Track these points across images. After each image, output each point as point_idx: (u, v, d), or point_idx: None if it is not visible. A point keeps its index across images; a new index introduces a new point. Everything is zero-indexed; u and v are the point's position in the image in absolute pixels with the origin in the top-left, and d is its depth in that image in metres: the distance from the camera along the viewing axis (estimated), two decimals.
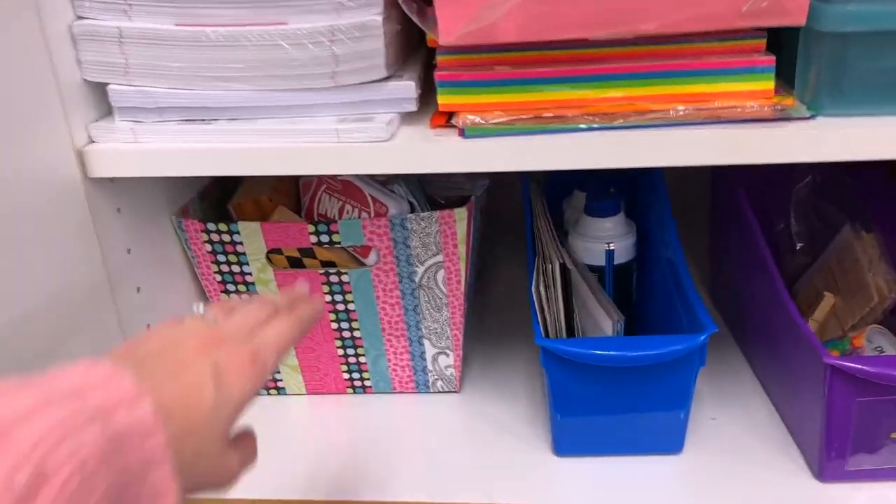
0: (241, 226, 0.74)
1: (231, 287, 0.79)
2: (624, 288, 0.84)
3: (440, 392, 0.85)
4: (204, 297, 0.81)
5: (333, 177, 0.79)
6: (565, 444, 0.75)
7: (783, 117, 0.58)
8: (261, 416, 0.79)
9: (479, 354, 0.92)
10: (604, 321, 0.76)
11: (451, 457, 0.76)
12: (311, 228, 0.73)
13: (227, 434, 0.42)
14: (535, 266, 0.75)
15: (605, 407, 0.71)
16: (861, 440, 0.68)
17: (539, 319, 0.73)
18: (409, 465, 0.75)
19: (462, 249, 0.74)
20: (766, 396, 0.82)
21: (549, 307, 0.75)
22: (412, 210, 0.78)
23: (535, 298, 0.73)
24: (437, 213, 0.71)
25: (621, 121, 0.59)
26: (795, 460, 0.73)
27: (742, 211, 0.82)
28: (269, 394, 0.87)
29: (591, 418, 0.72)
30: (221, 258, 0.76)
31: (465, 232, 0.72)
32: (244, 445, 0.45)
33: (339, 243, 0.74)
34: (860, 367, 0.63)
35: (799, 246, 0.89)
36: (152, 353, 0.41)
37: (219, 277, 0.78)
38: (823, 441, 0.68)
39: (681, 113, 0.58)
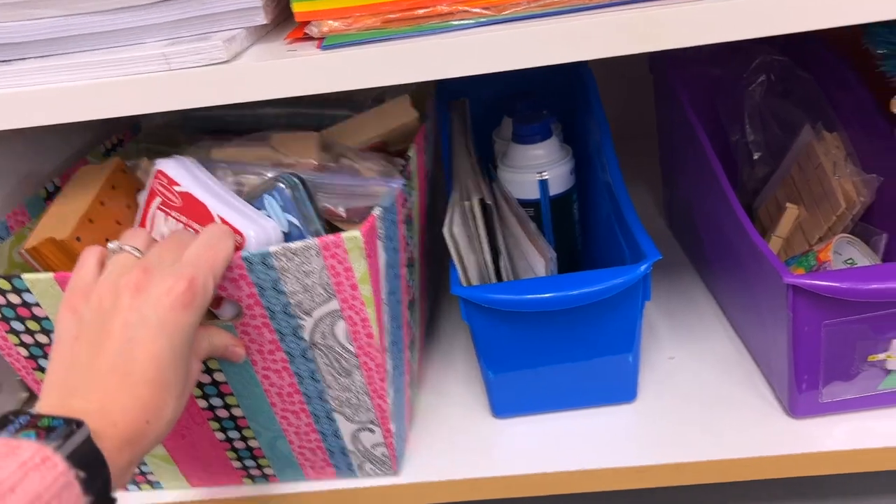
0: (29, 280, 0.52)
1: (45, 363, 0.57)
2: (565, 222, 0.75)
3: (370, 476, 0.65)
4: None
5: (169, 184, 0.57)
6: (504, 405, 0.67)
7: None
8: None
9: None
10: (535, 261, 0.65)
11: None
12: None
13: (184, 365, 0.45)
14: (451, 203, 0.65)
15: (541, 358, 0.63)
16: (834, 368, 0.59)
17: (458, 266, 0.63)
18: None
19: (366, 290, 0.52)
20: (730, 329, 0.73)
21: (473, 251, 0.65)
22: (288, 236, 0.56)
23: (448, 241, 0.63)
24: (315, 243, 0.49)
25: (510, 11, 0.48)
26: (765, 396, 0.65)
27: (688, 121, 0.71)
28: (140, 489, 0.67)
29: (528, 372, 0.64)
30: (18, 326, 0.55)
31: (365, 266, 0.51)
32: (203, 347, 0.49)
33: None
34: (825, 283, 0.54)
35: (757, 156, 0.79)
36: (97, 326, 0.43)
37: (24, 352, 0.57)
38: (792, 372, 0.60)
39: None
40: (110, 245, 0.48)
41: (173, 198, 0.56)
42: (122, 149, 0.77)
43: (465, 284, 0.64)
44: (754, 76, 0.78)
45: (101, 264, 0.48)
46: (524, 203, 0.72)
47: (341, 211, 0.59)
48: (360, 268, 0.51)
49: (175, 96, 0.48)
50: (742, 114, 0.80)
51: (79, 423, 0.38)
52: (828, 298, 0.55)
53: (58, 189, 0.67)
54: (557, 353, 0.62)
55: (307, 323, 0.54)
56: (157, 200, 0.58)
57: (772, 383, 0.65)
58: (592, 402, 0.66)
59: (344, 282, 0.51)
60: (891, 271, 0.55)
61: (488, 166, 0.75)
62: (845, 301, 0.55)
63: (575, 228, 0.77)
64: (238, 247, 0.52)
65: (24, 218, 0.63)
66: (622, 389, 0.66)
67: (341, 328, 0.54)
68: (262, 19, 0.51)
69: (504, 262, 0.66)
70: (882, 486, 0.72)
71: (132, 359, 0.42)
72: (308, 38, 0.50)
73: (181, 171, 0.57)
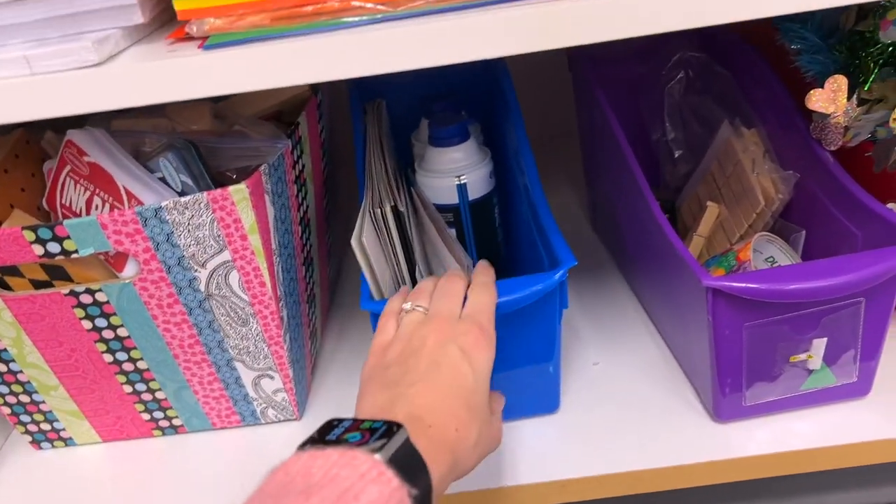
0: None
1: None
2: (485, 227, 0.72)
3: (275, 422, 0.68)
4: None
5: (78, 154, 0.59)
6: None
7: None
8: (45, 475, 0.65)
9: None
10: (452, 268, 0.63)
11: None
12: (30, 236, 0.53)
13: (487, 404, 0.46)
14: (361, 211, 0.61)
15: None
16: (757, 370, 0.58)
17: (368, 279, 0.60)
18: None
19: (255, 241, 0.56)
20: (656, 333, 0.72)
21: (386, 261, 0.62)
22: (183, 196, 0.56)
23: (357, 252, 0.59)
24: (204, 196, 0.53)
25: (407, 7, 0.45)
26: (690, 402, 0.64)
27: (606, 119, 0.70)
28: (53, 446, 0.69)
29: None
30: None
31: (253, 217, 0.55)
32: (495, 408, 0.49)
33: (74, 252, 0.54)
34: (743, 285, 0.53)
35: (678, 153, 0.78)
36: (401, 363, 0.46)
37: None
38: (716, 376, 0.58)
39: None
40: (404, 306, 0.51)
41: (82, 167, 0.60)
42: None
43: (377, 297, 0.60)
44: (673, 73, 0.77)
45: (397, 321, 0.51)
46: (443, 208, 0.69)
47: (231, 173, 0.63)
48: (247, 219, 0.54)
49: (39, 104, 0.44)
50: (662, 111, 0.79)
51: (398, 426, 0.39)
52: (747, 300, 0.54)
53: None
54: None
55: (202, 275, 0.57)
56: (67, 168, 0.61)
57: (696, 388, 0.64)
58: (514, 414, 0.63)
59: (234, 233, 0.55)
60: (808, 271, 0.54)
61: (407, 171, 0.72)
62: (765, 302, 0.54)
63: (496, 233, 0.73)
64: None
65: None
66: (544, 401, 0.64)
67: (234, 278, 0.57)
68: (139, 18, 0.47)
69: (420, 272, 0.63)
70: (810, 486, 0.71)
71: (439, 374, 0.44)
72: (190, 37, 0.47)
73: (90, 142, 0.59)
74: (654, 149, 0.81)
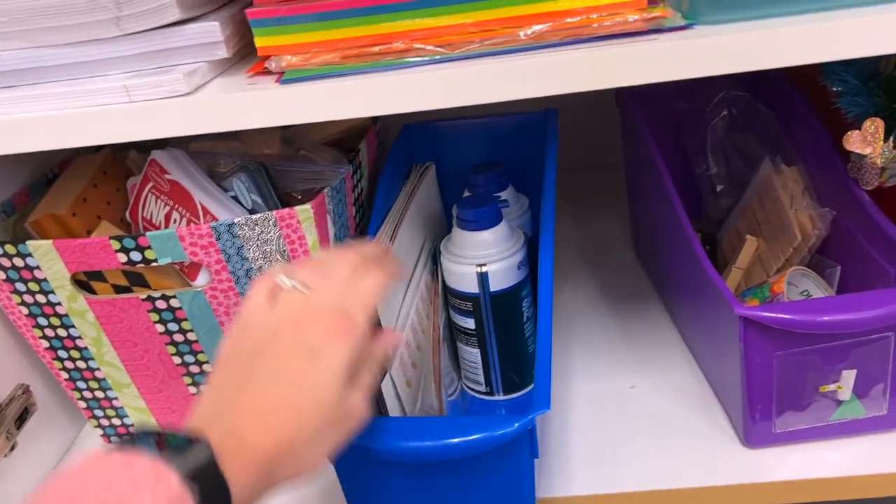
0: (31, 245, 0.60)
1: (42, 321, 0.64)
2: (509, 322, 0.66)
3: None
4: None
5: (160, 173, 0.65)
6: None
7: (656, 29, 0.49)
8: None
9: None
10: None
11: None
12: (116, 245, 0.59)
13: (338, 394, 0.43)
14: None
15: None
16: (787, 398, 0.60)
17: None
18: None
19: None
20: (692, 358, 0.74)
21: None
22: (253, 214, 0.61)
23: None
24: (273, 215, 0.58)
25: (463, 49, 0.49)
26: (722, 426, 0.66)
27: (649, 152, 0.73)
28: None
29: None
30: (21, 287, 0.62)
31: (316, 235, 0.60)
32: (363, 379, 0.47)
33: (153, 261, 0.60)
34: (774, 315, 0.56)
35: (720, 188, 0.81)
36: (251, 355, 0.44)
37: (24, 311, 0.64)
38: (746, 402, 0.61)
39: (532, 34, 0.49)
40: (284, 281, 0.48)
41: (163, 184, 0.65)
42: None
43: None
44: (717, 111, 0.80)
45: (273, 296, 0.47)
46: (462, 296, 0.65)
47: (297, 194, 0.68)
48: (311, 236, 0.59)
49: (135, 127, 0.50)
50: (705, 147, 0.81)
51: (198, 440, 0.38)
52: (778, 330, 0.56)
53: (56, 176, 0.74)
54: None
55: None
56: (150, 185, 0.66)
57: (729, 413, 0.66)
58: None
59: (298, 248, 0.60)
60: (839, 304, 0.56)
61: (436, 247, 0.70)
62: (796, 332, 0.56)
63: (522, 329, 0.67)
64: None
65: (27, 199, 0.71)
66: None
67: None
68: (223, 53, 0.52)
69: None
70: None
71: (277, 380, 0.43)
72: (269, 72, 0.52)
73: (171, 162, 0.65)
74: (697, 182, 0.83)
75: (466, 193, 0.74)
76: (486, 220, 0.64)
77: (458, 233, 0.65)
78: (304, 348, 0.44)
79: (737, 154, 0.80)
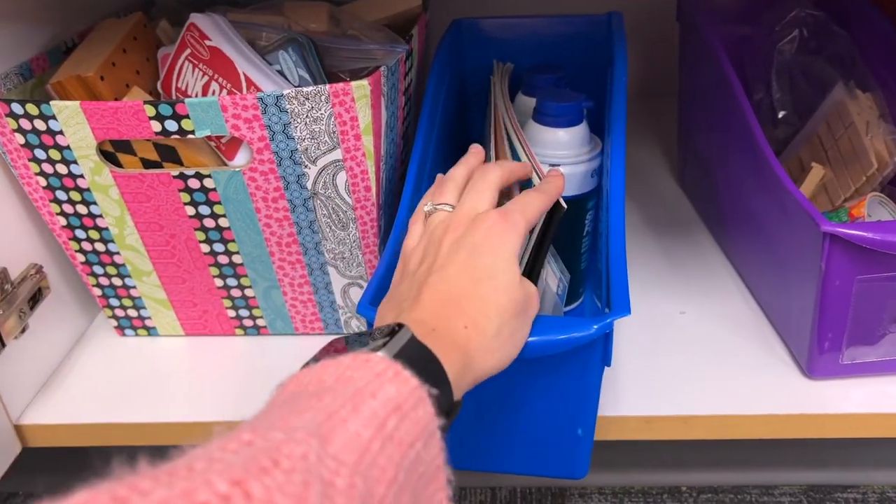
0: (56, 106, 0.53)
1: (61, 195, 0.59)
2: (569, 232, 0.63)
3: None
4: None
5: (200, 38, 0.59)
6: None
7: None
8: (125, 361, 0.65)
9: None
10: (550, 279, 0.57)
11: None
12: (151, 111, 0.53)
13: (516, 282, 0.42)
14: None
15: (476, 415, 0.51)
16: (860, 328, 0.57)
17: None
18: None
19: (368, 142, 0.55)
20: (744, 288, 0.71)
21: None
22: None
23: None
24: (326, 89, 0.52)
25: None
26: (780, 356, 0.63)
27: (721, 72, 0.68)
28: (137, 334, 0.70)
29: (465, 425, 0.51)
30: (40, 154, 0.56)
31: (370, 117, 0.54)
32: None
33: (190, 132, 0.54)
34: (865, 234, 0.52)
35: (782, 114, 0.76)
36: (421, 273, 0.43)
37: (42, 182, 0.58)
38: (816, 330, 0.57)
39: None
40: (425, 208, 0.48)
41: (202, 51, 0.59)
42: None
43: None
44: (786, 31, 0.75)
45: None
46: None
47: (345, 74, 0.63)
48: (364, 118, 0.54)
49: None
50: (769, 71, 0.77)
51: (399, 325, 0.38)
52: (865, 251, 0.52)
53: (76, 45, 0.67)
54: (490, 412, 0.51)
55: (311, 171, 0.57)
56: (187, 51, 0.60)
57: (788, 343, 0.63)
58: (534, 470, 0.54)
59: (349, 131, 0.55)
60: None
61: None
62: (881, 255, 0.52)
63: (580, 243, 0.64)
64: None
65: (46, 64, 0.65)
66: (567, 464, 0.54)
67: (342, 179, 0.57)
68: None
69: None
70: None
71: (444, 277, 0.42)
72: None
73: (212, 27, 0.59)
74: (754, 108, 0.79)
75: (519, 97, 0.69)
76: (566, 116, 0.59)
77: (533, 126, 0.60)
78: (467, 247, 0.43)
79: (804, 78, 0.75)
